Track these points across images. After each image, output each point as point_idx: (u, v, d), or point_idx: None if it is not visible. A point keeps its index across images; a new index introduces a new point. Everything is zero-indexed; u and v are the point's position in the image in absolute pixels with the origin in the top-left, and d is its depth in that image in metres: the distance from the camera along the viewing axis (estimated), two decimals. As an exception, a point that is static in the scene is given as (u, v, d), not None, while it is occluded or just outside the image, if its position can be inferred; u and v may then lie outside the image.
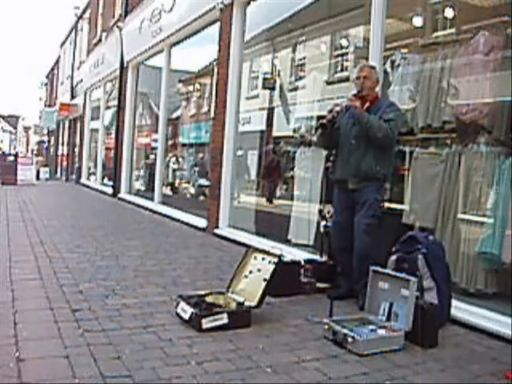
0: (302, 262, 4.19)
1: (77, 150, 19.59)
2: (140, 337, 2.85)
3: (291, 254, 4.96)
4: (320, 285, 4.12)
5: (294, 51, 7.43)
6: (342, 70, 6.59)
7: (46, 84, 34.24)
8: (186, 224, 7.85)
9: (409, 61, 4.66)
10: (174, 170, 11.21)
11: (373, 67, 4.06)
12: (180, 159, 11.32)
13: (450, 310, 3.43)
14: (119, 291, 3.79)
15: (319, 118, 3.90)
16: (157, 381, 2.32)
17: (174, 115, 11.39)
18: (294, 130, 6.84)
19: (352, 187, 3.86)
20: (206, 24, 8.11)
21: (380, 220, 3.81)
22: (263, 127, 7.56)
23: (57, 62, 28.01)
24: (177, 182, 11.17)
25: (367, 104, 3.85)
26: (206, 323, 2.99)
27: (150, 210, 9.62)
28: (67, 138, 23.17)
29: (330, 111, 3.85)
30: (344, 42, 6.76)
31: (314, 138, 5.70)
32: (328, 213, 4.65)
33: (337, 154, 4.04)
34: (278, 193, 7.40)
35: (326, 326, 3.01)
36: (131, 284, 4.04)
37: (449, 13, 4.91)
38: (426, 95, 4.41)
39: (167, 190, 10.71)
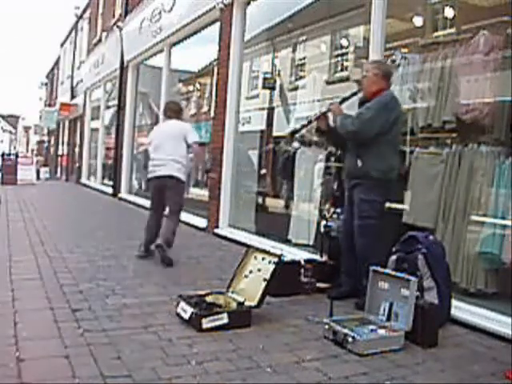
0: (302, 262, 4.19)
1: (77, 149, 19.59)
2: (140, 337, 2.85)
3: (291, 253, 4.96)
4: (320, 285, 4.12)
5: (294, 51, 7.42)
6: (341, 70, 6.58)
7: (46, 84, 34.21)
8: (187, 224, 7.83)
9: (409, 61, 4.66)
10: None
11: (374, 62, 4.09)
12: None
13: (450, 310, 3.43)
14: (119, 291, 3.79)
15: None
16: (157, 381, 2.32)
17: (174, 115, 11.34)
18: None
19: (347, 187, 3.95)
20: (205, 24, 8.12)
21: (379, 220, 3.77)
22: (263, 127, 7.55)
23: (57, 62, 27.98)
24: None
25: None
26: (206, 323, 2.99)
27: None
28: (67, 137, 23.15)
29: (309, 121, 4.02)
30: (344, 42, 6.76)
31: (315, 138, 5.72)
32: (328, 213, 4.65)
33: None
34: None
35: (326, 326, 3.00)
36: (131, 284, 4.04)
37: (449, 13, 4.91)
38: (426, 95, 4.41)
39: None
